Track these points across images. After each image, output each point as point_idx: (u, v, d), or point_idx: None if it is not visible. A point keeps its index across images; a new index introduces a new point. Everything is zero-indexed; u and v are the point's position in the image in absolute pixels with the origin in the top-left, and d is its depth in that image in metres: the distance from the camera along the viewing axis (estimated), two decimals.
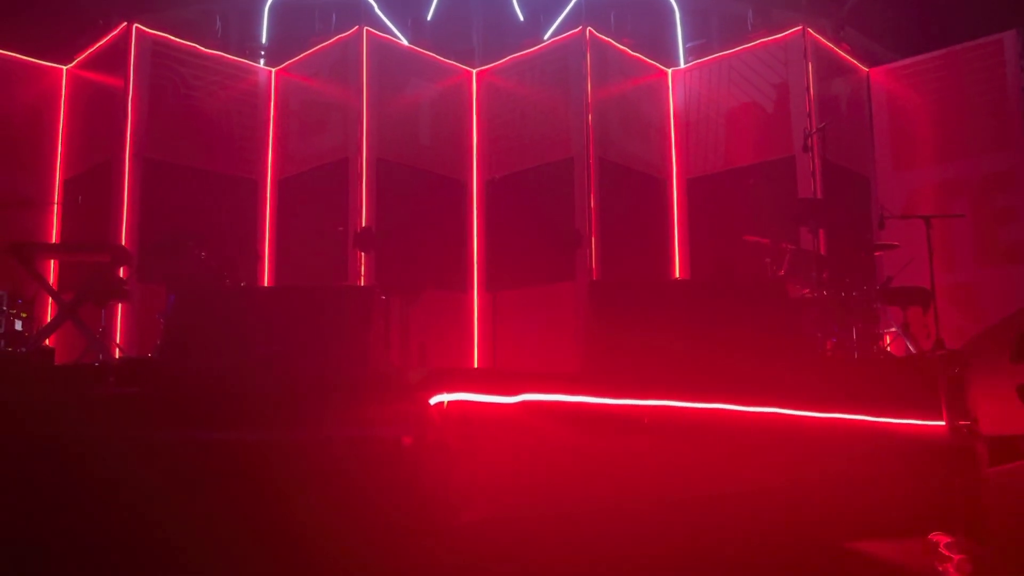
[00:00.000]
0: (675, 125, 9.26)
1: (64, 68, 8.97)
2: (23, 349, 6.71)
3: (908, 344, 6.81)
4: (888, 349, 7.06)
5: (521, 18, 10.99)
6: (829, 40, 8.85)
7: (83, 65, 8.81)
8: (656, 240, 8.92)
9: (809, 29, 8.37)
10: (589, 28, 8.46)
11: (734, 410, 2.74)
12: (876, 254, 7.67)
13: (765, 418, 2.81)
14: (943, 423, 3.19)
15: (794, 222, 7.39)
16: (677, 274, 8.93)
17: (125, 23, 8.12)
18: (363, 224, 7.90)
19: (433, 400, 2.40)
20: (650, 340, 3.61)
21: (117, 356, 7.11)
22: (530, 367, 7.70)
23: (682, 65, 9.74)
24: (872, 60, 9.46)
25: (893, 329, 7.05)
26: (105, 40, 8.46)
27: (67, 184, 8.75)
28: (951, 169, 8.56)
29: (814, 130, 7.22)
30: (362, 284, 7.74)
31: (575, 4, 10.77)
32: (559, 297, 8.13)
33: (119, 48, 8.15)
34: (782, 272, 6.87)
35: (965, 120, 8.54)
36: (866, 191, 8.93)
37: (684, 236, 9.04)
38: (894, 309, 7.05)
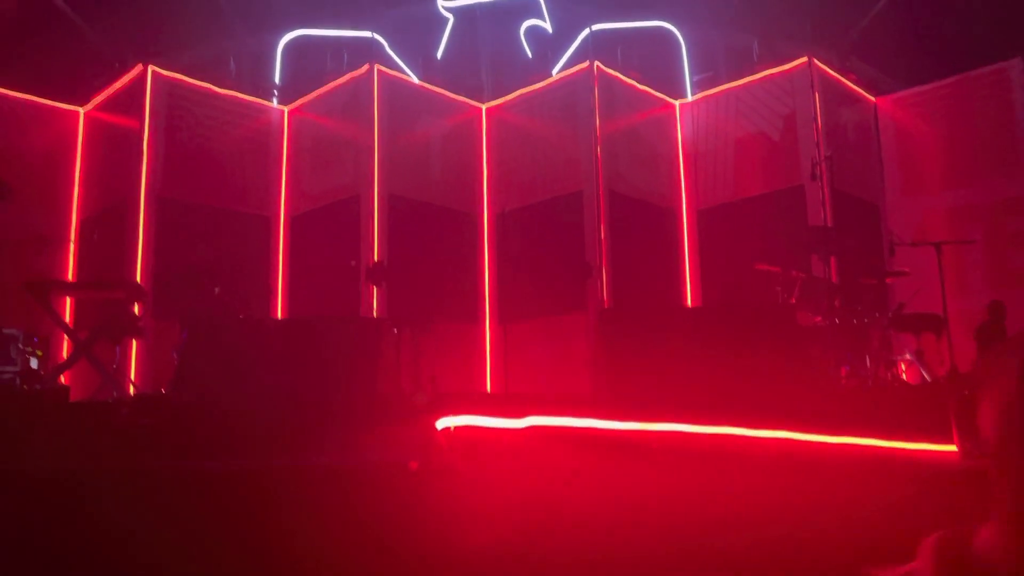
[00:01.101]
0: (684, 156, 9.32)
1: (81, 110, 9.15)
2: (38, 387, 6.76)
3: (922, 371, 6.76)
4: (902, 376, 7.01)
5: (529, 54, 11.13)
6: (835, 70, 8.92)
7: (99, 107, 8.98)
8: (667, 270, 8.94)
9: (815, 60, 8.44)
10: (596, 63, 8.56)
11: (744, 435, 2.73)
12: (887, 281, 7.64)
13: (776, 443, 2.79)
14: (955, 448, 3.17)
15: (804, 250, 7.38)
16: (688, 303, 8.93)
17: (141, 65, 8.28)
18: (375, 258, 7.97)
19: (440, 424, 2.41)
20: (660, 367, 3.62)
21: (131, 392, 7.14)
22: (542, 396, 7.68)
23: (689, 97, 9.83)
24: (878, 89, 9.51)
25: (907, 356, 7.01)
26: (121, 82, 8.63)
27: (83, 223, 8.88)
28: (961, 195, 8.56)
29: (822, 159, 7.25)
30: (374, 317, 7.78)
31: (582, 39, 10.91)
32: (571, 328, 8.14)
33: (135, 90, 8.31)
34: (793, 300, 6.85)
35: (974, 146, 8.55)
36: (876, 218, 8.94)
37: (695, 266, 9.05)
38: (907, 336, 7.01)
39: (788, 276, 7.02)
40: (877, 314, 6.78)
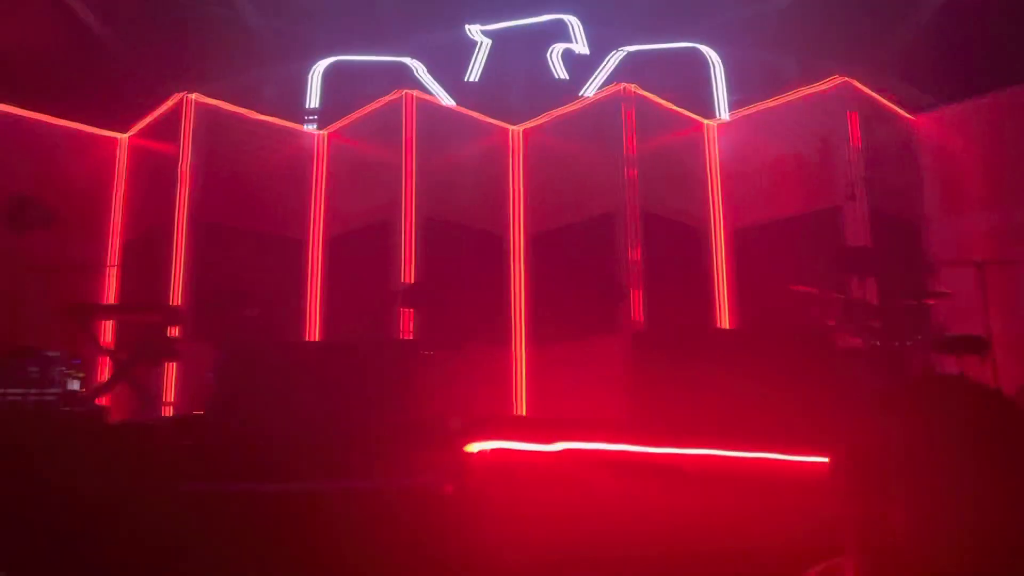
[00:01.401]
0: (718, 177, 9.26)
1: (121, 136, 9.35)
2: (78, 408, 6.86)
3: None
4: None
5: (561, 76, 11.18)
6: (871, 89, 8.82)
7: (140, 134, 9.17)
8: (701, 291, 8.86)
9: (851, 79, 8.36)
10: (628, 84, 8.57)
11: (782, 460, 2.68)
12: (929, 302, 7.50)
13: (815, 468, 2.73)
14: None
15: (842, 271, 7.28)
16: (724, 325, 8.83)
17: (181, 93, 8.45)
18: (410, 281, 8.00)
19: (474, 448, 2.40)
20: (695, 389, 3.57)
21: (169, 414, 7.22)
22: (575, 420, 7.63)
23: (723, 118, 9.78)
24: (916, 107, 9.39)
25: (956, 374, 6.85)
26: (161, 109, 8.81)
27: (124, 248, 9.04)
28: (1004, 214, 8.38)
29: (859, 179, 7.16)
30: (407, 339, 7.80)
31: (615, 61, 10.93)
32: (604, 350, 8.08)
33: (175, 116, 8.48)
34: (832, 322, 6.75)
35: (1016, 164, 8.37)
36: (916, 238, 8.79)
37: (730, 287, 8.96)
38: (949, 359, 6.86)
39: (826, 297, 6.92)
40: (919, 336, 6.65)
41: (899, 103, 9.20)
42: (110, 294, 8.94)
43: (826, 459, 2.42)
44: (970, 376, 6.51)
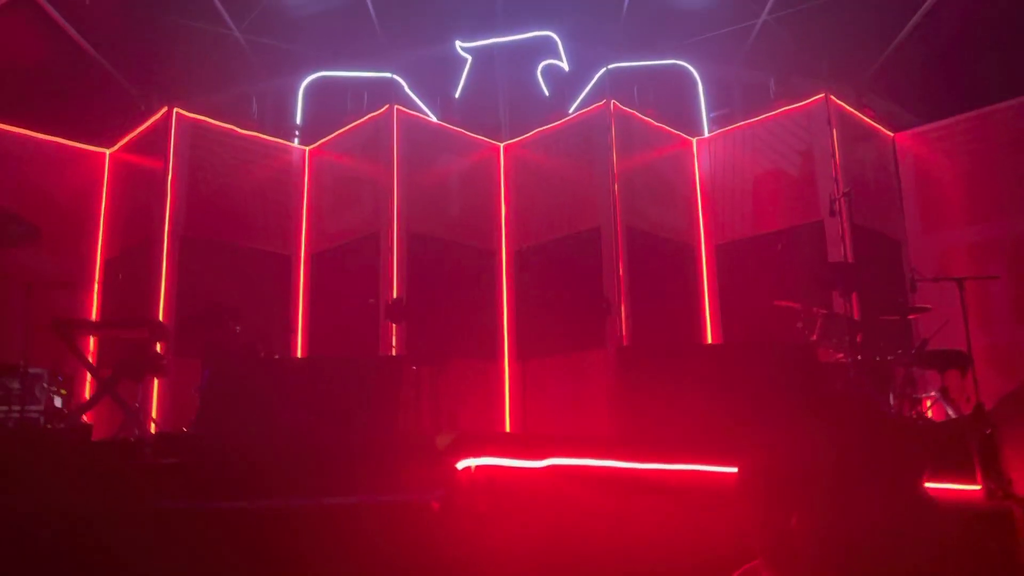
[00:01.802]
0: (701, 192, 9.34)
1: (107, 152, 9.33)
2: (62, 425, 6.82)
3: (948, 409, 6.67)
4: (928, 414, 6.92)
5: (546, 93, 11.25)
6: (852, 106, 8.94)
7: (125, 148, 9.15)
8: (686, 306, 8.91)
9: (832, 96, 8.47)
10: (613, 100, 8.64)
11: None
12: (910, 317, 7.58)
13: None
14: (979, 487, 3.12)
15: (825, 286, 7.34)
16: (709, 340, 8.88)
17: (166, 107, 8.45)
18: (394, 296, 8.01)
19: (461, 464, 2.41)
20: (680, 404, 3.60)
21: (153, 431, 7.18)
22: (561, 435, 7.65)
23: (706, 134, 9.88)
24: (897, 124, 9.51)
25: (932, 394, 6.92)
26: (147, 124, 8.80)
27: (108, 263, 9.00)
28: (984, 230, 8.49)
29: (840, 194, 7.23)
30: (393, 354, 7.80)
31: (599, 78, 11.02)
32: (590, 365, 8.11)
33: (160, 131, 8.47)
34: (814, 337, 6.81)
35: (995, 181, 8.49)
36: (897, 254, 8.89)
37: (715, 302, 9.02)
38: (931, 373, 6.93)
39: (809, 312, 6.98)
40: (900, 351, 6.71)
41: (880, 120, 9.32)
42: (94, 310, 8.89)
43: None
44: (940, 393, 6.60)
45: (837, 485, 2.08)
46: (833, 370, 6.60)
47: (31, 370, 6.68)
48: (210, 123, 8.75)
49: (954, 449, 3.40)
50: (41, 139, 8.92)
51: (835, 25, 10.39)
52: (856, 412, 2.38)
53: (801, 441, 2.20)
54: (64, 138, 9.09)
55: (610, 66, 10.87)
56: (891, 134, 9.27)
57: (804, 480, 2.09)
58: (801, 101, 8.68)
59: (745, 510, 2.28)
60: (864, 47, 10.85)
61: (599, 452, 2.54)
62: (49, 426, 6.79)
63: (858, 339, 6.65)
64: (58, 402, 7.07)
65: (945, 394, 6.69)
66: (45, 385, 6.90)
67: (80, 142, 9.23)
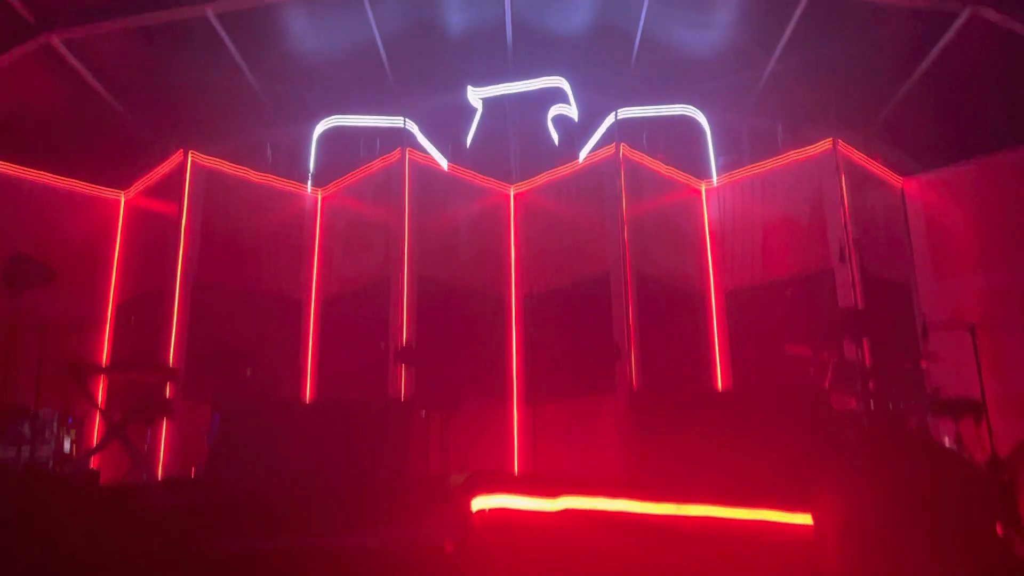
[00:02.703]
0: (711, 239, 9.37)
1: (122, 196, 9.44)
2: (70, 469, 6.80)
3: None
4: None
5: (556, 139, 11.37)
6: (861, 153, 9.00)
7: (140, 192, 9.27)
8: (696, 352, 8.88)
9: (840, 143, 8.53)
10: (622, 147, 8.73)
11: (780, 520, 2.68)
12: (923, 364, 7.53)
13: (811, 528, 2.73)
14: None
15: (836, 333, 7.31)
16: (719, 385, 8.83)
17: (182, 152, 8.57)
18: (404, 340, 8.01)
19: (474, 506, 2.40)
20: (692, 450, 3.57)
21: (161, 475, 7.16)
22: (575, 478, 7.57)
23: (715, 181, 9.94)
24: (905, 171, 9.56)
25: (946, 441, 6.85)
26: (162, 169, 8.92)
27: (120, 306, 9.05)
28: (996, 277, 8.46)
29: (850, 241, 7.25)
30: (402, 399, 7.78)
31: (608, 125, 11.13)
32: (599, 411, 8.07)
33: (175, 176, 8.58)
34: (826, 383, 6.76)
35: (1006, 228, 8.48)
36: (908, 300, 8.86)
37: (724, 348, 8.99)
38: (945, 421, 6.87)
39: (820, 359, 6.94)
40: (913, 398, 6.67)
41: (888, 167, 9.38)
42: (105, 352, 8.92)
43: (808, 518, 2.44)
44: (955, 442, 6.52)
45: (922, 532, 2.01)
46: (846, 417, 6.54)
47: (41, 412, 6.69)
48: (225, 168, 8.86)
49: None
50: (58, 183, 9.05)
51: (842, 73, 10.50)
52: (929, 455, 2.33)
53: (879, 488, 2.14)
54: (80, 182, 9.22)
55: (619, 113, 10.99)
56: (900, 181, 9.31)
57: (888, 528, 2.03)
58: (809, 148, 8.75)
59: (824, 560, 2.21)
60: (871, 95, 10.96)
61: (615, 494, 2.52)
62: (57, 469, 6.78)
63: (871, 386, 6.60)
64: (67, 445, 7.07)
65: (959, 442, 6.62)
66: (55, 428, 6.90)
67: (96, 186, 9.35)
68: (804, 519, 2.62)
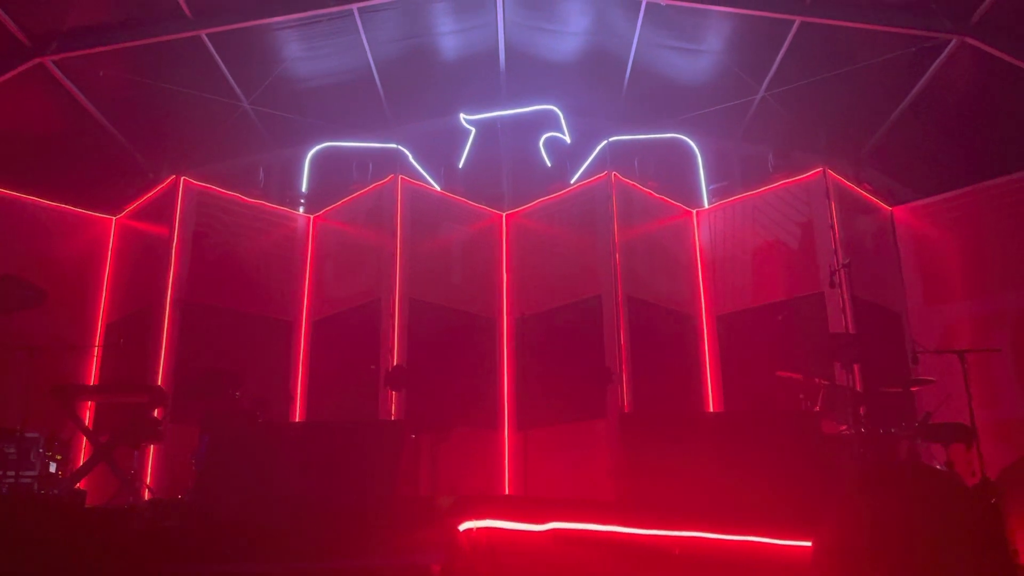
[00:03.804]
0: (702, 263, 9.40)
1: (113, 218, 9.43)
2: (55, 491, 6.73)
3: None
4: None
5: (548, 164, 11.43)
6: (850, 180, 9.06)
7: (131, 215, 9.26)
8: (688, 376, 8.88)
9: (829, 170, 8.59)
10: (614, 172, 8.77)
11: (768, 543, 2.66)
12: (913, 389, 7.53)
13: (800, 552, 2.72)
14: None
15: (827, 357, 7.32)
16: (710, 409, 8.82)
17: (174, 176, 8.57)
18: (394, 363, 7.98)
19: (462, 527, 2.37)
20: (683, 473, 3.56)
21: (147, 497, 7.08)
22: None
23: (706, 206, 10.00)
24: (894, 198, 9.64)
25: (937, 467, 6.83)
26: (154, 192, 8.92)
27: (109, 328, 9.01)
28: (985, 304, 8.49)
29: (840, 267, 7.27)
30: (392, 421, 7.73)
31: (600, 150, 11.22)
32: (591, 435, 8.03)
33: (167, 199, 8.58)
34: (817, 408, 6.76)
35: (995, 255, 8.53)
36: (898, 326, 8.88)
37: (716, 372, 8.98)
38: (936, 446, 6.86)
39: (811, 383, 6.95)
40: (904, 424, 6.66)
41: (877, 194, 9.44)
42: (93, 374, 8.86)
43: (809, 543, 2.43)
44: (945, 467, 6.51)
45: (918, 555, 2.01)
46: (837, 442, 6.53)
47: (27, 435, 6.63)
48: (216, 191, 8.87)
49: None
50: (50, 206, 9.03)
51: (831, 101, 10.61)
52: (923, 479, 2.33)
53: (877, 511, 2.14)
54: (73, 205, 9.21)
55: (611, 138, 11.08)
56: (889, 208, 9.38)
57: (886, 551, 2.03)
58: (799, 175, 8.81)
59: None
60: (860, 123, 11.06)
61: (602, 517, 2.50)
62: (43, 492, 6.70)
63: (861, 411, 6.60)
64: (53, 468, 7.00)
65: (950, 467, 6.61)
66: (41, 450, 6.83)
67: (88, 209, 9.34)
68: (802, 543, 2.60)
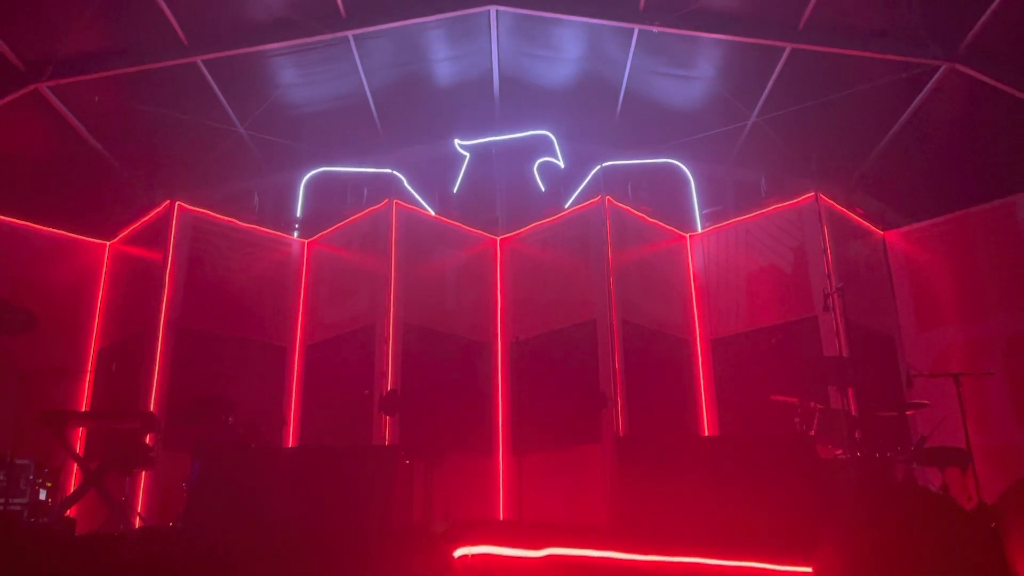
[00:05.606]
0: (696, 287, 9.41)
1: (107, 243, 9.41)
2: (45, 520, 6.66)
3: None
4: None
5: (542, 189, 11.48)
6: (842, 205, 9.11)
7: (125, 240, 9.23)
8: (682, 400, 8.85)
9: (822, 195, 8.64)
10: (608, 197, 8.80)
11: (764, 568, 2.65)
12: (908, 413, 7.53)
13: None
14: None
15: (821, 381, 7.32)
16: (705, 433, 8.79)
17: (168, 201, 8.57)
18: (389, 387, 7.95)
19: (457, 554, 2.35)
20: (678, 497, 3.54)
21: (138, 525, 7.01)
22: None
23: (699, 230, 10.03)
24: (886, 223, 9.69)
25: (934, 491, 6.81)
26: (148, 217, 8.91)
27: (101, 353, 8.95)
28: (978, 328, 8.51)
29: (833, 290, 7.28)
30: (386, 446, 7.68)
31: (594, 175, 11.26)
32: (586, 460, 7.99)
33: (161, 224, 8.56)
34: (812, 432, 6.75)
35: (987, 280, 8.56)
36: (892, 350, 8.89)
37: (710, 395, 8.97)
38: (931, 470, 6.84)
39: (806, 407, 6.94)
40: (899, 447, 6.65)
41: (869, 218, 9.49)
42: (85, 399, 8.80)
43: (809, 569, 2.41)
44: (941, 491, 6.49)
45: None
46: (833, 466, 6.51)
47: (17, 461, 6.56)
48: (211, 216, 8.86)
49: None
50: (43, 231, 9.00)
51: (822, 127, 10.70)
52: (922, 503, 2.33)
53: (877, 536, 2.13)
54: (67, 230, 9.18)
55: (604, 163, 11.14)
56: (881, 232, 9.42)
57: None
58: (792, 199, 8.85)
59: None
60: (851, 148, 11.15)
61: (598, 543, 2.48)
62: (32, 520, 6.63)
63: (857, 435, 6.59)
64: (43, 495, 6.92)
65: (946, 491, 6.59)
66: (31, 477, 6.77)
67: (81, 234, 9.31)
68: (803, 568, 2.59)
